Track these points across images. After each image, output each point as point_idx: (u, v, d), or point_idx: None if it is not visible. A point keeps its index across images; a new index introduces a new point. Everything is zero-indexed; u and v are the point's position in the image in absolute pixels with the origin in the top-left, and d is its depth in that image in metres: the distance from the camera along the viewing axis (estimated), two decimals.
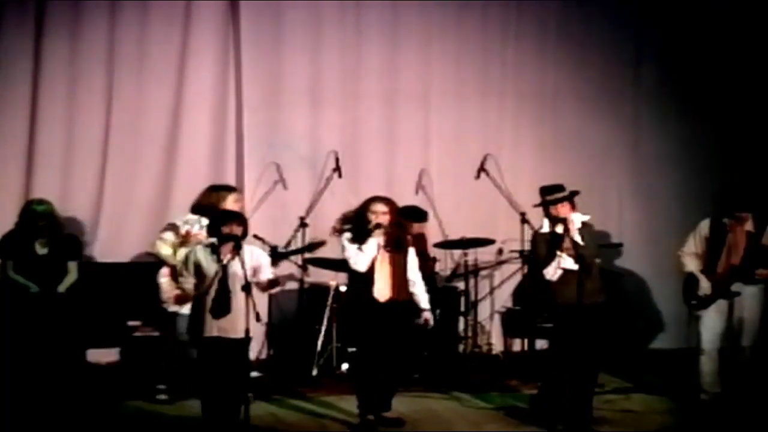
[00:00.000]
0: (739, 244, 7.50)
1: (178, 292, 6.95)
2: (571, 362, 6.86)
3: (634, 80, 9.97)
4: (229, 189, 7.76)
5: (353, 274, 7.00)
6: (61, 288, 7.54)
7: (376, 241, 6.89)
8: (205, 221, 7.50)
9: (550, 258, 6.90)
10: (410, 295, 7.02)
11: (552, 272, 6.90)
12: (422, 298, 7.07)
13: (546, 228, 7.06)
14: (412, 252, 7.07)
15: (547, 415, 6.93)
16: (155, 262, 7.64)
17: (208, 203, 7.56)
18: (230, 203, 7.53)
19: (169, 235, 7.57)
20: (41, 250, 7.55)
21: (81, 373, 7.61)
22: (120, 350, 8.01)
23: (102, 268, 8.30)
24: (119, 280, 8.08)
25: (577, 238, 6.88)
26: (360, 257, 6.89)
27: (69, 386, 7.33)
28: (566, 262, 6.85)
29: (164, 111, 9.02)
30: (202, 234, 7.44)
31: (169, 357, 7.55)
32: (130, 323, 7.84)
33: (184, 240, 7.52)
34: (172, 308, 7.38)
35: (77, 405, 7.20)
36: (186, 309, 7.35)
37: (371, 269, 6.90)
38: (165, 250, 7.55)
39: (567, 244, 6.88)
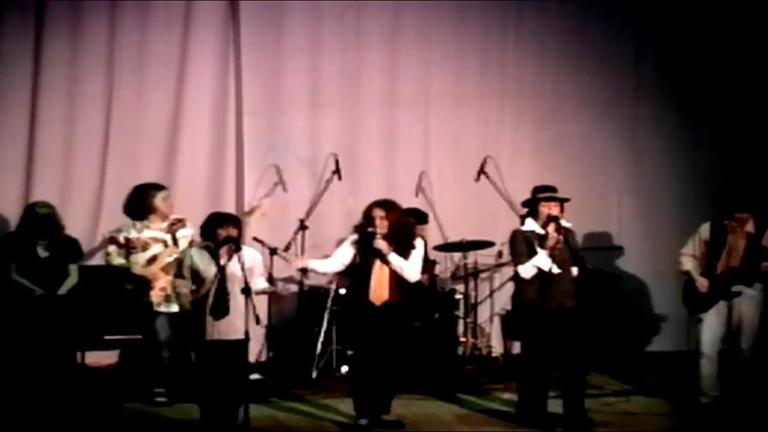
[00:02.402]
0: (739, 245, 7.53)
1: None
2: (547, 364, 6.89)
3: (634, 82, 9.97)
4: (157, 187, 7.75)
5: (352, 278, 7.00)
6: (62, 290, 7.53)
7: (350, 242, 6.96)
8: (140, 225, 7.55)
9: (527, 254, 6.93)
10: (407, 297, 7.01)
11: (527, 270, 6.93)
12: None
13: (527, 227, 7.07)
14: (415, 254, 7.02)
15: (537, 417, 6.94)
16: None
17: (135, 203, 7.62)
18: (158, 201, 7.59)
19: (113, 248, 7.62)
20: (43, 252, 7.55)
21: (78, 374, 7.59)
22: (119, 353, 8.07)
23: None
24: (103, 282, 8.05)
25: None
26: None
27: (66, 388, 7.32)
28: (543, 261, 6.86)
29: (164, 112, 9.01)
30: (143, 236, 7.55)
31: (148, 358, 7.56)
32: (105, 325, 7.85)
33: (129, 247, 7.55)
34: (162, 308, 7.43)
35: (76, 407, 7.19)
36: (163, 308, 7.41)
37: (368, 272, 6.89)
38: (117, 260, 7.61)
39: (551, 245, 6.88)
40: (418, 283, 7.16)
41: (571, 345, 6.91)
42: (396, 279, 6.92)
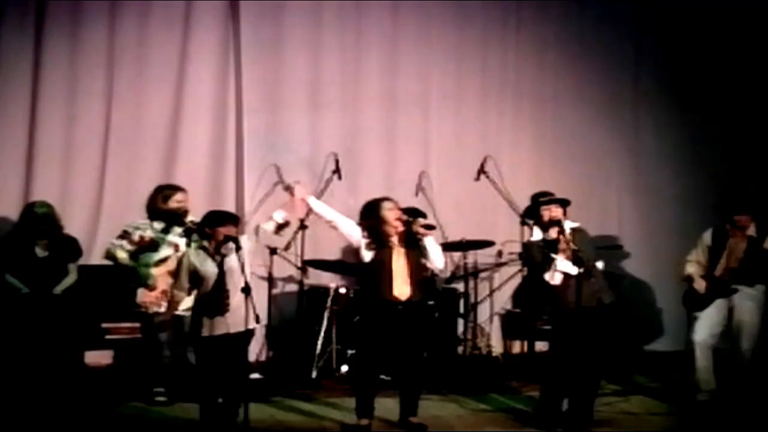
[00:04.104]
0: (739, 248, 7.56)
1: (151, 297, 7.04)
2: (572, 365, 6.87)
3: (633, 83, 9.99)
4: (172, 189, 7.73)
5: (366, 275, 6.95)
6: (58, 289, 7.52)
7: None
8: (157, 225, 7.55)
9: (547, 263, 6.91)
10: (423, 293, 6.99)
11: (551, 276, 6.91)
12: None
13: (537, 237, 7.07)
14: (430, 240, 7.01)
15: (551, 418, 6.95)
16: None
17: (154, 205, 7.63)
18: (171, 203, 7.57)
19: (123, 243, 7.59)
20: (42, 252, 7.55)
21: (77, 374, 7.58)
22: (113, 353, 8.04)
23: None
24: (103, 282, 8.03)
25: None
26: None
27: (65, 387, 7.32)
28: (564, 265, 6.86)
29: (164, 112, 9.02)
30: (156, 237, 7.51)
31: (148, 359, 7.56)
32: (105, 325, 7.80)
33: (140, 245, 7.54)
34: (153, 309, 7.42)
35: (75, 406, 7.19)
36: (163, 309, 7.41)
37: (388, 268, 6.85)
38: (120, 254, 7.57)
39: (564, 247, 6.88)
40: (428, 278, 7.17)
41: (586, 346, 6.88)
42: (415, 274, 6.89)
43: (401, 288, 6.84)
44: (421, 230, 6.95)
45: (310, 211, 7.31)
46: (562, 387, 6.96)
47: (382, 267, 6.85)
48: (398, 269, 6.86)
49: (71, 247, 7.69)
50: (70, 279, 7.62)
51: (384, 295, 6.82)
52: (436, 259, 7.02)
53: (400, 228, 6.90)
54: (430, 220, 8.95)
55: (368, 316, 6.91)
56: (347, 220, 7.00)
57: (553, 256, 6.89)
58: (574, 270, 6.83)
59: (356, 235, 6.92)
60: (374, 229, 6.90)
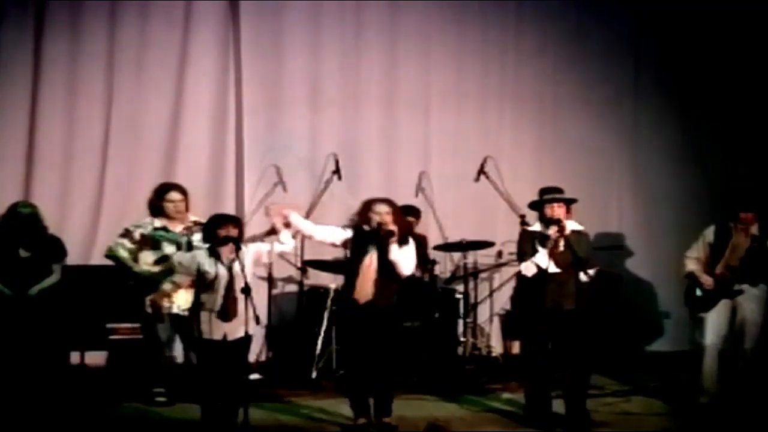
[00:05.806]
0: (742, 245, 7.54)
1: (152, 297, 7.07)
2: (550, 365, 6.92)
3: (633, 83, 9.98)
4: (170, 187, 7.68)
5: (346, 276, 6.96)
6: (33, 291, 7.41)
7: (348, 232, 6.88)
8: (158, 223, 7.54)
9: (530, 253, 6.93)
10: (392, 298, 6.85)
11: (526, 268, 6.93)
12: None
13: (534, 227, 7.08)
14: (408, 249, 6.86)
15: (543, 418, 6.96)
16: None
17: (152, 202, 7.61)
18: (167, 201, 7.53)
19: (125, 241, 7.57)
20: (24, 253, 7.46)
21: (63, 375, 7.52)
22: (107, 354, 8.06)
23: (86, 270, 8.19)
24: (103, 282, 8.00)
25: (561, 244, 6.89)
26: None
27: (53, 389, 7.28)
28: (543, 259, 6.86)
29: (164, 112, 9.02)
30: (157, 235, 7.50)
31: (148, 359, 7.55)
32: (111, 325, 7.75)
33: (141, 244, 7.52)
34: (149, 309, 7.40)
35: (67, 407, 7.17)
36: (164, 309, 7.40)
37: (357, 270, 6.81)
38: (122, 252, 7.55)
39: (561, 247, 6.88)
40: (410, 283, 7.07)
41: (572, 346, 6.91)
42: (382, 278, 6.78)
43: (364, 291, 6.73)
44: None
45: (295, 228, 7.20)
46: (536, 386, 7.02)
47: (353, 268, 6.80)
48: (366, 272, 6.75)
49: (55, 248, 7.59)
50: (51, 280, 7.49)
51: (350, 296, 6.81)
52: (404, 268, 6.83)
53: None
54: (430, 221, 9.04)
55: (339, 317, 6.94)
56: (322, 228, 6.94)
57: (539, 248, 6.90)
58: (551, 267, 6.84)
59: (338, 236, 6.89)
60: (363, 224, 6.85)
